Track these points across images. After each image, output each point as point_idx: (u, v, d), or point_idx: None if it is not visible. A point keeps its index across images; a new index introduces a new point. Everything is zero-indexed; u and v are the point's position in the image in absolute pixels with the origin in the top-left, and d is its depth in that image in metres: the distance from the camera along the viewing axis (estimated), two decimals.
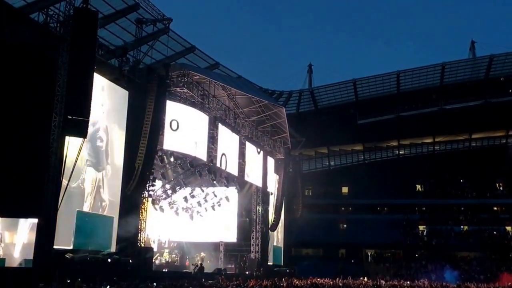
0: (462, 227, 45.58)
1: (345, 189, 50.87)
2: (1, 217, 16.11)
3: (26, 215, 16.25)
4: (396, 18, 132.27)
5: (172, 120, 22.44)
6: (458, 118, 43.64)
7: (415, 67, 41.24)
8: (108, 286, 14.75)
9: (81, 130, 16.18)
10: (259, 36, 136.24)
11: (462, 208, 47.44)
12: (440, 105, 43.87)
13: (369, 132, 45.51)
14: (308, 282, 23.02)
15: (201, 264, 26.40)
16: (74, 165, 17.08)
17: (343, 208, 49.88)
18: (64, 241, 17.19)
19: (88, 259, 17.62)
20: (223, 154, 26.47)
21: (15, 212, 16.08)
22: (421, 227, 46.38)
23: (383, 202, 48.68)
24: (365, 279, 29.27)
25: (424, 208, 48.28)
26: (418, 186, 50.84)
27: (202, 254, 29.73)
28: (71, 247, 17.46)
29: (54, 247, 16.48)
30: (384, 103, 43.92)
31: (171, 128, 22.44)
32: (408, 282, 25.94)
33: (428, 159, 49.29)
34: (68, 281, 15.17)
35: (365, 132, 45.54)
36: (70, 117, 16.04)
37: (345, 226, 47.84)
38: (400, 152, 50.59)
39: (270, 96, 37.63)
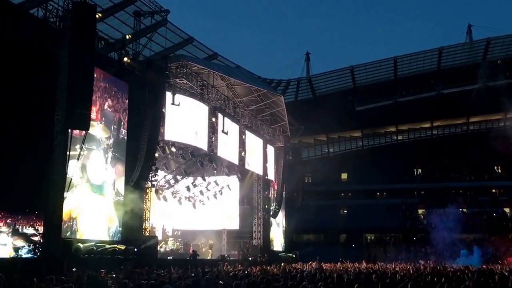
0: (461, 210, 46.09)
1: (344, 175, 51.27)
2: (7, 211, 16.33)
3: (33, 208, 16.59)
4: (392, 4, 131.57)
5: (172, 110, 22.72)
6: (455, 102, 43.77)
7: (412, 52, 41.19)
8: (114, 275, 15.12)
9: (83, 122, 16.49)
10: (256, 25, 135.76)
11: (461, 191, 47.87)
12: (438, 89, 43.99)
13: (367, 118, 45.66)
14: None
15: (193, 251, 26.49)
16: (78, 157, 17.41)
17: (343, 194, 50.30)
18: (69, 230, 17.59)
19: (94, 249, 18.07)
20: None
21: (21, 205, 16.38)
22: (420, 211, 46.93)
23: (382, 187, 49.15)
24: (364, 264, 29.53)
25: (423, 192, 48.75)
26: (417, 171, 51.27)
27: (211, 241, 30.10)
28: (76, 236, 17.88)
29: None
30: (382, 89, 44.01)
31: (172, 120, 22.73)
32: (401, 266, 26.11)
33: (426, 144, 49.55)
34: (76, 270, 15.57)
35: (363, 119, 45.69)
36: (72, 110, 16.36)
37: (345, 211, 48.33)
38: (399, 137, 50.87)
39: (268, 85, 37.78)
